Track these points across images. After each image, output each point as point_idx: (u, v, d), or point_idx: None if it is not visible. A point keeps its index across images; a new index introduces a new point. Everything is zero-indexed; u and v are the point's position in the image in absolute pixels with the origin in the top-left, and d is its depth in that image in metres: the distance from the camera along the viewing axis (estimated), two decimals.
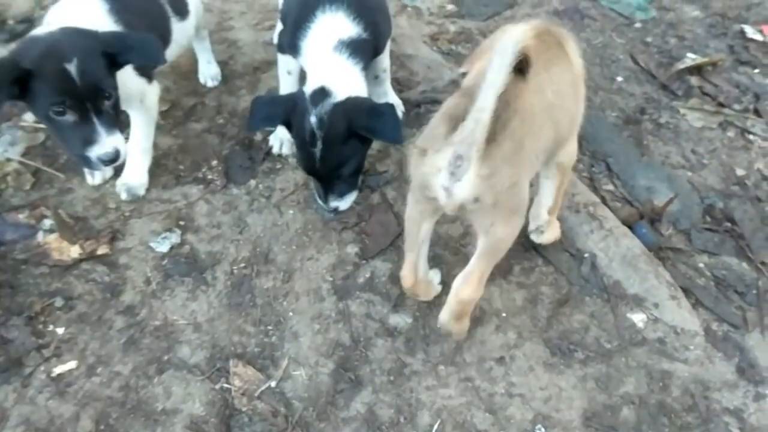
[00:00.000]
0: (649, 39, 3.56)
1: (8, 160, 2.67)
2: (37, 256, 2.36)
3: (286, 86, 2.70)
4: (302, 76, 2.53)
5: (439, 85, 3.04)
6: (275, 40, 3.20)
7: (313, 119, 2.19)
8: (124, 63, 2.15)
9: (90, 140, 2.07)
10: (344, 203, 2.48)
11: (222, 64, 3.16)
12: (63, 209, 2.52)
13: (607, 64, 3.37)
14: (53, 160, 2.70)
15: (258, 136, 2.83)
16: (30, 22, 3.37)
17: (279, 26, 2.87)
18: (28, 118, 2.82)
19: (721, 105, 3.16)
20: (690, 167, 2.88)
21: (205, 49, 3.06)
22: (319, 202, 2.49)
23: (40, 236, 2.42)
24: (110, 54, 2.07)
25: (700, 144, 2.98)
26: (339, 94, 2.23)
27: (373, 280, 2.36)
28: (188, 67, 3.10)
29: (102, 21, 2.23)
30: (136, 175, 2.57)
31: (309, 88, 2.27)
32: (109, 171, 2.60)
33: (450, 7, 3.67)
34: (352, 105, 2.23)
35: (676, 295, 2.33)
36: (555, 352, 2.20)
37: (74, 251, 2.38)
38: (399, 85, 3.08)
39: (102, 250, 2.40)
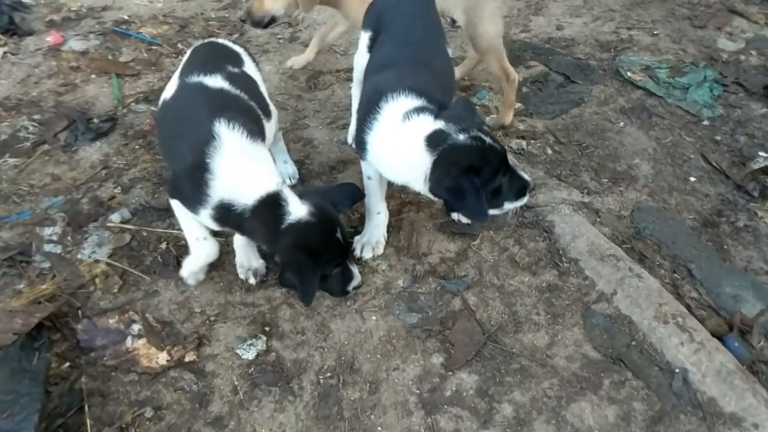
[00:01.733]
0: (718, 137, 3.56)
1: (96, 261, 2.73)
2: (126, 363, 2.38)
3: (372, 191, 2.73)
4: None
5: None
6: (349, 140, 3.30)
7: (474, 132, 2.35)
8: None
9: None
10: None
11: (298, 163, 3.23)
12: (150, 313, 2.56)
13: (678, 163, 3.37)
14: (139, 261, 2.76)
15: None
16: (114, 120, 3.51)
17: (353, 125, 2.95)
18: (115, 218, 2.90)
19: None
20: None
21: (281, 149, 3.13)
22: (520, 202, 2.56)
23: (129, 342, 2.45)
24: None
25: None
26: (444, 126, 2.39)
27: (461, 393, 2.33)
28: None
29: None
30: None
31: (416, 145, 2.37)
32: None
33: (518, 105, 3.72)
34: (457, 117, 2.42)
35: None
36: None
37: (162, 358, 2.40)
38: None
39: (189, 356, 2.41)
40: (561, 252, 2.82)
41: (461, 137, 2.32)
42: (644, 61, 4.10)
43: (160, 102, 2.58)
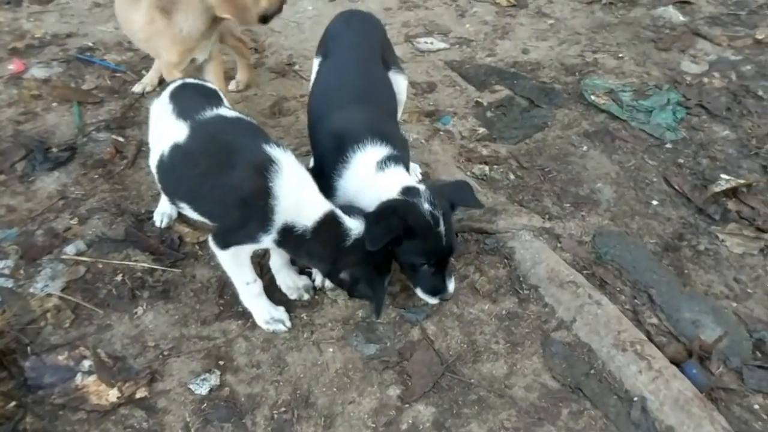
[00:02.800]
0: (681, 160, 3.57)
1: (48, 295, 2.68)
2: (74, 401, 2.33)
3: None
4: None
5: (476, 213, 3.05)
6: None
7: (426, 205, 2.40)
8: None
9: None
10: (453, 283, 2.59)
11: None
12: (102, 348, 2.51)
13: (641, 187, 3.38)
14: (93, 294, 2.71)
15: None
16: (73, 149, 3.47)
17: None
18: (70, 251, 2.86)
19: (760, 230, 3.12)
20: (734, 297, 2.82)
21: None
22: (435, 299, 2.58)
23: (78, 378, 2.40)
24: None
25: (743, 272, 2.93)
26: (418, 185, 2.51)
27: (417, 426, 2.29)
28: None
29: None
30: None
31: (393, 194, 2.44)
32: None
33: (481, 130, 3.73)
34: (438, 187, 2.59)
35: None
36: None
37: (113, 395, 2.35)
38: None
39: (141, 393, 2.36)
40: (521, 279, 2.81)
41: (426, 206, 2.41)
42: (608, 85, 4.13)
43: (166, 153, 2.50)
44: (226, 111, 2.59)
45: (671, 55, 4.53)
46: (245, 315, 2.64)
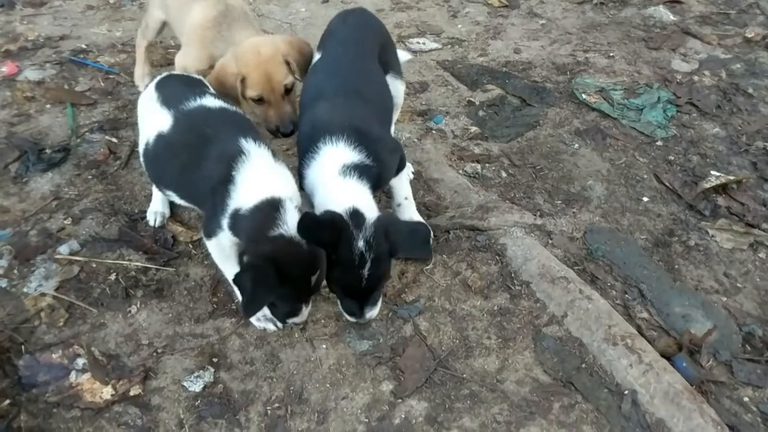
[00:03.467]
0: (671, 157, 3.60)
1: (42, 294, 2.69)
2: (69, 399, 2.34)
3: None
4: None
5: (468, 210, 3.07)
6: None
7: (360, 243, 2.28)
8: None
9: (294, 314, 2.41)
10: (375, 311, 2.53)
11: None
12: (96, 346, 2.51)
13: (632, 184, 3.40)
14: (87, 294, 2.72)
15: None
16: (67, 150, 3.48)
17: None
18: (63, 250, 2.86)
19: (750, 225, 3.15)
20: (724, 292, 2.84)
21: None
22: (351, 318, 2.52)
23: (72, 377, 2.40)
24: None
25: (732, 266, 2.96)
26: (368, 214, 2.36)
27: (410, 421, 2.31)
28: None
29: None
30: None
31: (341, 209, 2.33)
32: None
33: (474, 128, 3.75)
34: (388, 225, 2.37)
35: None
36: None
37: (107, 392, 2.35)
38: (428, 210, 3.12)
39: (135, 390, 2.37)
40: (513, 275, 2.82)
41: (360, 243, 2.30)
42: (599, 84, 4.16)
43: (151, 141, 2.56)
44: (210, 100, 2.62)
45: (662, 54, 4.57)
46: (239, 313, 2.66)
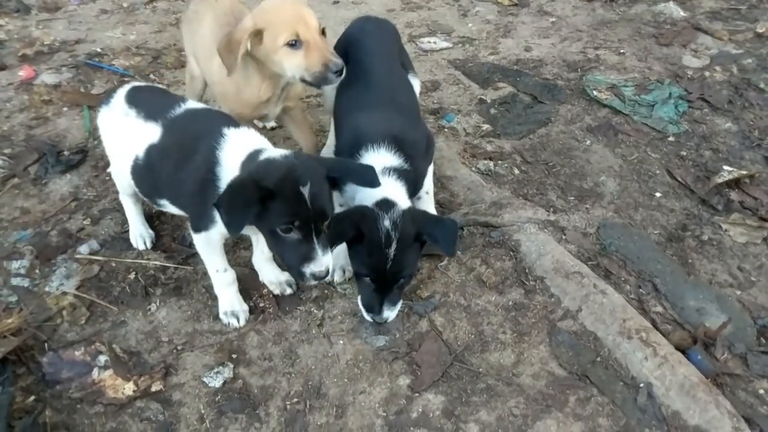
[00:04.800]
0: (683, 153, 3.61)
1: (64, 294, 2.74)
2: (92, 395, 2.38)
3: None
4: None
5: (481, 207, 3.09)
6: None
7: (387, 222, 2.38)
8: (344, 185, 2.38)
9: (308, 257, 2.17)
10: (394, 313, 2.55)
11: None
12: (117, 344, 2.56)
13: (644, 180, 3.42)
14: (107, 292, 2.76)
15: None
16: (84, 152, 3.53)
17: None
18: (83, 250, 2.91)
19: (763, 219, 3.16)
20: (738, 285, 2.85)
21: None
22: (368, 316, 2.55)
23: (95, 373, 2.45)
24: (333, 178, 2.24)
25: (746, 260, 2.97)
26: (401, 203, 2.47)
27: (427, 414, 2.33)
28: None
29: None
30: None
31: (370, 201, 2.44)
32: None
33: (485, 126, 3.77)
34: (417, 213, 2.52)
35: (740, 426, 2.26)
36: None
37: (129, 388, 2.40)
38: (441, 207, 3.15)
39: (156, 386, 2.41)
40: (527, 270, 2.85)
41: (386, 222, 2.40)
42: (610, 80, 4.18)
43: (142, 155, 2.51)
44: (192, 104, 2.61)
45: (672, 50, 4.57)
46: (257, 309, 2.70)
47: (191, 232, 2.52)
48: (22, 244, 2.97)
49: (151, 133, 2.49)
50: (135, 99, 2.62)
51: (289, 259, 2.22)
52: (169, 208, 2.61)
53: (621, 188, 3.36)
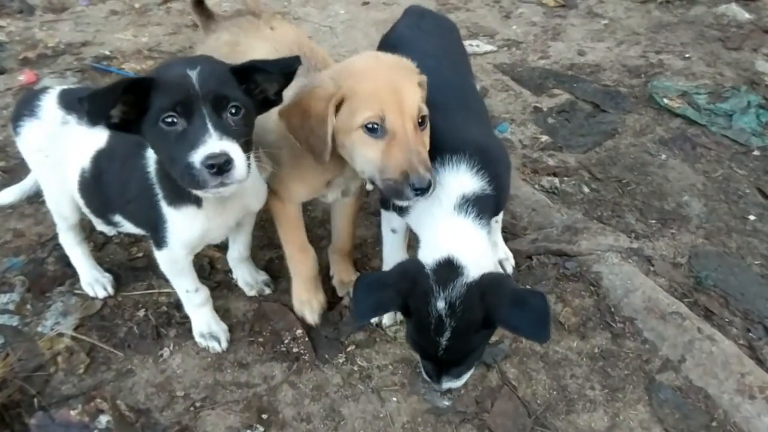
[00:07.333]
0: None
1: (59, 335, 2.29)
2: None
3: (392, 247, 2.31)
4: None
5: (552, 232, 2.63)
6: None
7: (441, 305, 1.74)
8: (261, 77, 1.79)
9: (195, 143, 1.60)
10: (459, 382, 2.04)
11: None
12: (122, 399, 2.10)
13: (733, 200, 2.95)
14: (111, 334, 2.32)
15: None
16: None
17: None
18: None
19: None
20: None
21: None
22: (428, 379, 2.05)
23: None
24: (243, 69, 1.74)
25: None
26: (471, 269, 1.77)
27: None
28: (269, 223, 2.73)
29: None
30: None
31: (429, 258, 1.83)
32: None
33: (544, 138, 3.32)
34: (490, 288, 1.76)
35: None
36: None
37: None
38: (503, 232, 2.68)
39: None
40: (613, 310, 2.38)
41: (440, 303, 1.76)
42: (680, 87, 3.71)
43: (89, 165, 2.09)
44: None
45: (742, 54, 4.11)
46: (289, 356, 2.24)
47: (155, 251, 2.08)
48: (12, 274, 2.54)
49: (98, 137, 2.07)
50: (72, 103, 2.15)
51: (175, 156, 1.66)
52: (127, 226, 2.17)
53: (708, 210, 2.89)
